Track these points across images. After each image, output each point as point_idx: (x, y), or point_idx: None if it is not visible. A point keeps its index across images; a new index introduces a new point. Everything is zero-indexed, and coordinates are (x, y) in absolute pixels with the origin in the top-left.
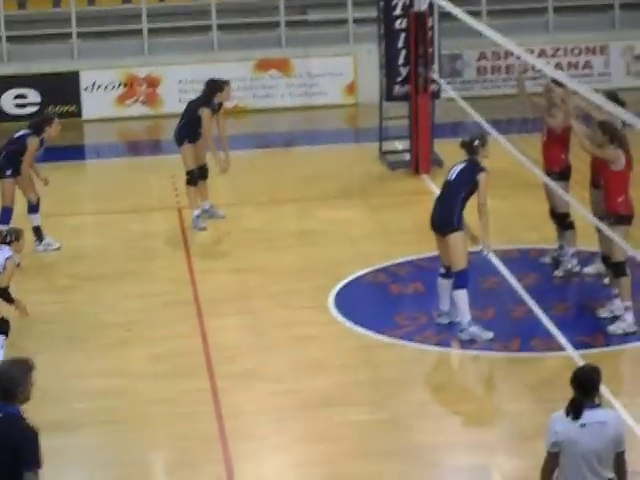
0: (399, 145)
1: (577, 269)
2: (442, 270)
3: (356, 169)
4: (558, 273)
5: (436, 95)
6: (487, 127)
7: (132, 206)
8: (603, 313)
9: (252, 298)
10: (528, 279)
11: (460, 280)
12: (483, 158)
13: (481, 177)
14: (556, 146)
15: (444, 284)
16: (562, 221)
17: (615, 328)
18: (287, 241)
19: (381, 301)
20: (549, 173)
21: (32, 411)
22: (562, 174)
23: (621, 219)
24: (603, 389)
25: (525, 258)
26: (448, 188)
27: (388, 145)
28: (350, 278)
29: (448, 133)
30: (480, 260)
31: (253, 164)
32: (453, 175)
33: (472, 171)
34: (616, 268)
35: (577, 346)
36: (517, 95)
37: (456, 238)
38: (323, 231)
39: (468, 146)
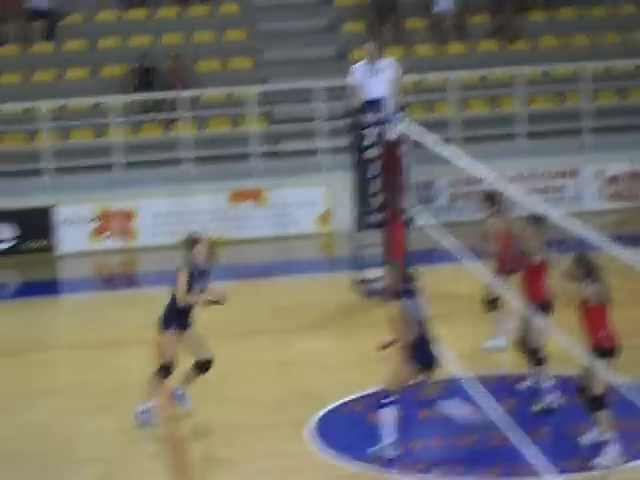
0: (374, 273)
1: (556, 403)
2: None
3: (331, 298)
4: (535, 408)
5: (409, 223)
6: (461, 253)
7: (108, 340)
8: (585, 441)
9: (230, 431)
10: (507, 405)
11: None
12: None
13: None
14: (535, 279)
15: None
16: (534, 355)
17: (600, 461)
18: (264, 372)
19: (359, 431)
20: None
21: None
22: (542, 307)
23: (604, 353)
24: None
25: (502, 384)
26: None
27: (363, 274)
28: (328, 408)
29: (422, 260)
30: (457, 387)
31: (228, 295)
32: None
33: None
34: (593, 402)
35: (560, 472)
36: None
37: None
38: (299, 362)
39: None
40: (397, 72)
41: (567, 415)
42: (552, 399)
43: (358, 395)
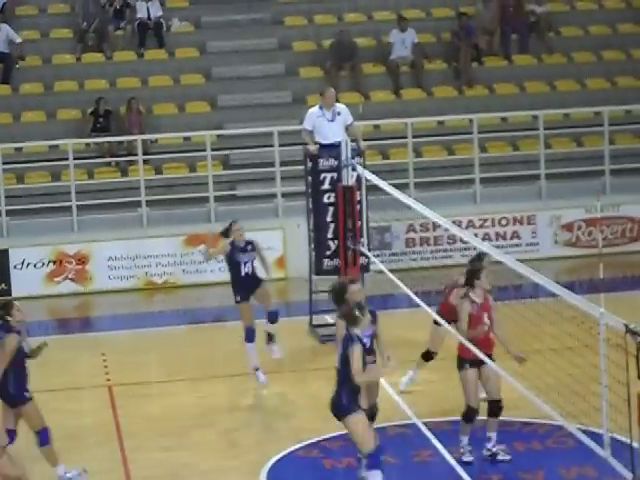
0: (329, 318)
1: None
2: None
3: (287, 343)
4: (485, 452)
5: (365, 268)
6: (416, 299)
7: (62, 384)
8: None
9: (184, 476)
10: (459, 451)
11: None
12: None
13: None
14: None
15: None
16: (497, 406)
17: None
18: (218, 417)
19: (315, 477)
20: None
21: None
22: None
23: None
24: None
25: (456, 430)
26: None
27: (318, 319)
28: (282, 454)
29: (378, 306)
30: (412, 434)
31: (184, 340)
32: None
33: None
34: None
35: None
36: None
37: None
38: (254, 406)
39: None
40: (350, 117)
41: (519, 461)
42: (501, 448)
43: (313, 440)
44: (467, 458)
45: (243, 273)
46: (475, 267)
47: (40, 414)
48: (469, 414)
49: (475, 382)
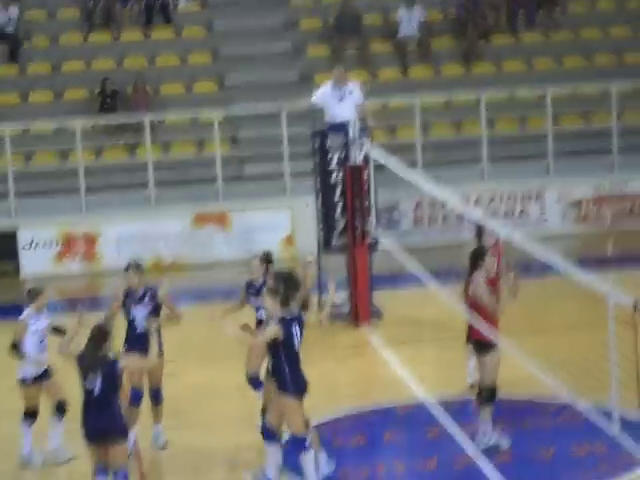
0: (337, 297)
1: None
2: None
3: None
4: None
5: (374, 246)
6: (425, 277)
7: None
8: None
9: (196, 455)
10: (469, 429)
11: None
12: None
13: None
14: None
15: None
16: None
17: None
18: (228, 396)
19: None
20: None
21: None
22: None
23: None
24: None
25: (466, 408)
26: None
27: (326, 297)
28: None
29: (387, 284)
30: (422, 412)
31: (192, 319)
32: None
33: None
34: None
35: None
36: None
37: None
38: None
39: None
40: (364, 98)
41: (529, 439)
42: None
43: (323, 420)
44: (501, 441)
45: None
46: (479, 248)
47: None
48: (492, 394)
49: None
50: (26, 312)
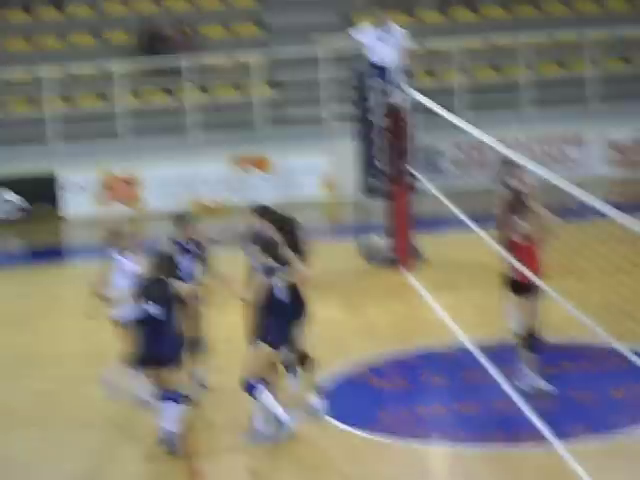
0: (379, 240)
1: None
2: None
3: (336, 265)
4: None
5: (414, 189)
6: (466, 221)
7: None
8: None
9: (234, 395)
10: (510, 372)
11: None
12: None
13: None
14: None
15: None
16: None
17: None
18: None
19: (364, 398)
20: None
21: None
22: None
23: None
24: None
25: (508, 351)
26: None
27: (368, 240)
28: (333, 375)
29: (428, 227)
30: (463, 355)
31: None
32: None
33: None
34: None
35: (563, 437)
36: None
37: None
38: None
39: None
40: (405, 41)
41: (569, 381)
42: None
43: (364, 361)
44: (542, 384)
45: None
46: (517, 192)
47: None
48: (533, 338)
49: None
50: (114, 253)
